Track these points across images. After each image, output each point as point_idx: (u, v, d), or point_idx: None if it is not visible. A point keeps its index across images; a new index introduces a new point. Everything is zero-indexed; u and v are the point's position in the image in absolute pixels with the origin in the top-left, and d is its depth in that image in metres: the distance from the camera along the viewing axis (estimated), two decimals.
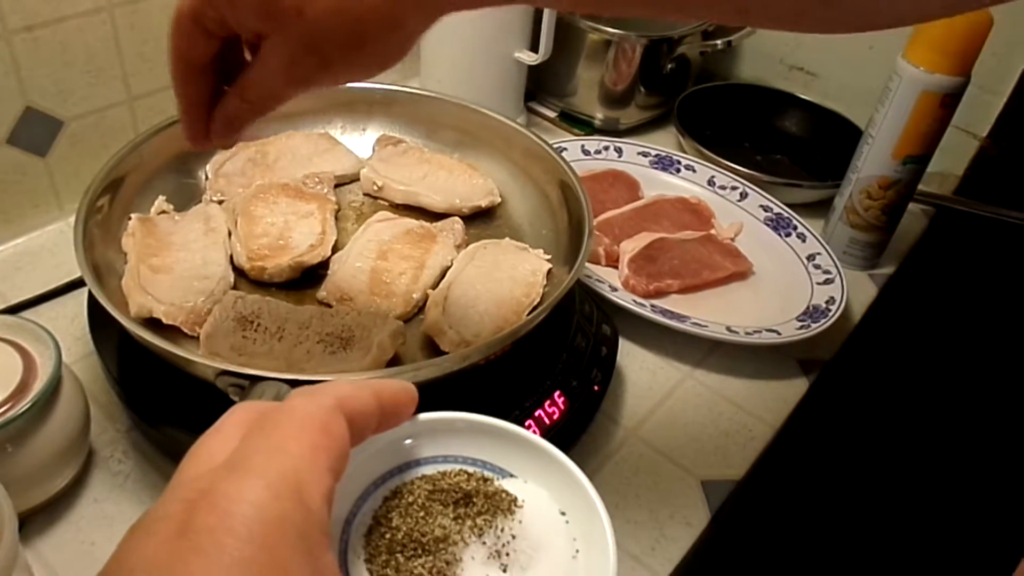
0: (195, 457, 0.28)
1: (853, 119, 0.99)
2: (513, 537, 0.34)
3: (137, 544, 0.25)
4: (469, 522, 0.34)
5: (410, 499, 0.34)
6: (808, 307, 0.74)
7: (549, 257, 0.66)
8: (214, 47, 0.41)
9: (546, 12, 0.86)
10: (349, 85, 0.83)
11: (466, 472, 0.36)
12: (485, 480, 0.36)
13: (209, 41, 0.40)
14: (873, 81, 0.81)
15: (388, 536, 0.33)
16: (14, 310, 0.68)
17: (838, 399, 0.78)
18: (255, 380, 0.47)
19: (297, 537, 0.25)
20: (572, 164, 0.69)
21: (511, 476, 0.36)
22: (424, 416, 0.36)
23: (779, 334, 0.70)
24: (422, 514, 0.34)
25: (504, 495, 0.35)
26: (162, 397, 0.55)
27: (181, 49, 0.41)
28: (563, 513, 0.35)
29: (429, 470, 0.36)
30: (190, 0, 0.39)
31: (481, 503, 0.34)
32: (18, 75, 0.69)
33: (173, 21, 0.40)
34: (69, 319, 0.68)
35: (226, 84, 0.43)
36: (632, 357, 0.71)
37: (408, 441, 0.36)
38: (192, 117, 0.44)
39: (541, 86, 1.03)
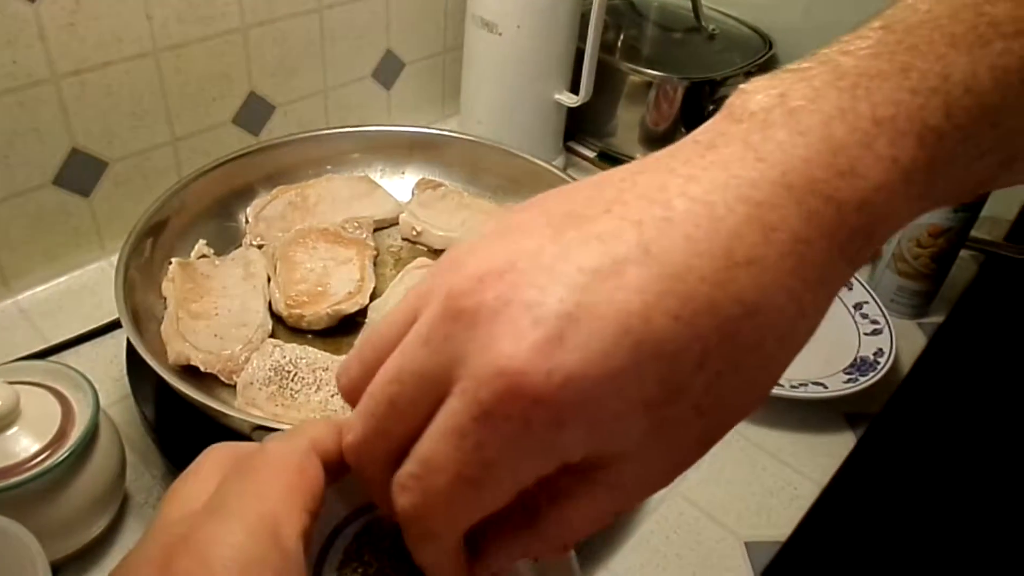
0: (174, 500, 0.29)
1: None
2: None
3: None
4: None
5: (382, 535, 0.34)
6: (856, 359, 0.72)
7: None
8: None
9: (587, 54, 0.85)
10: (388, 128, 0.82)
11: None
12: None
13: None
14: None
15: (360, 572, 0.33)
16: (54, 350, 0.68)
17: (887, 454, 0.76)
18: None
19: None
20: None
21: None
22: None
23: (826, 387, 0.68)
24: (394, 550, 0.34)
25: None
26: (198, 446, 0.54)
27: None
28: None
29: None
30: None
31: None
32: (66, 118, 0.70)
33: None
34: (108, 360, 0.68)
35: None
36: None
37: None
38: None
39: (580, 126, 1.02)
